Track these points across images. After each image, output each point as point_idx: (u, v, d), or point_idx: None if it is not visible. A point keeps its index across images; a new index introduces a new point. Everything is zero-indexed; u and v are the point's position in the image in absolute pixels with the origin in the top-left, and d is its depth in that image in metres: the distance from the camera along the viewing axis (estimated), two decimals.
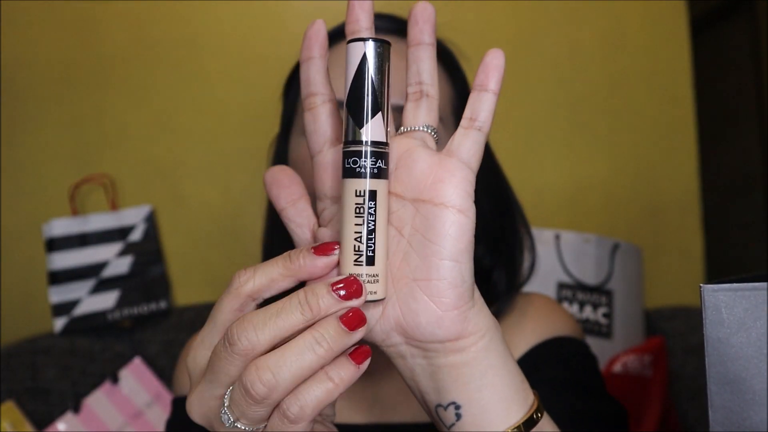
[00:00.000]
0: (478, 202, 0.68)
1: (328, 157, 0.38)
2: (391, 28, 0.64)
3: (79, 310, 1.15)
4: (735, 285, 0.33)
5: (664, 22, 1.35)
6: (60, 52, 1.23)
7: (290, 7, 1.29)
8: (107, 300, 1.17)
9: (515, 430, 0.34)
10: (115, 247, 1.19)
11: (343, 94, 0.59)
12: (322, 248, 0.34)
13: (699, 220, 1.37)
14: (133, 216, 1.21)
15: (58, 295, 1.15)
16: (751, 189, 1.75)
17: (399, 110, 0.59)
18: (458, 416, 0.34)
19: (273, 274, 0.34)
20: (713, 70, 1.83)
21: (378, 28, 0.62)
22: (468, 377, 0.34)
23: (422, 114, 0.39)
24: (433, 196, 0.34)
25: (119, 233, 1.19)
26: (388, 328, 0.35)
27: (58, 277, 1.15)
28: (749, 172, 1.77)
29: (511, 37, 1.33)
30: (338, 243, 0.34)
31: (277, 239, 0.68)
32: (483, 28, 1.32)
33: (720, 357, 0.33)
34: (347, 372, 0.32)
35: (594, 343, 1.16)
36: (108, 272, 1.18)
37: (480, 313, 0.35)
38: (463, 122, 0.37)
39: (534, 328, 0.62)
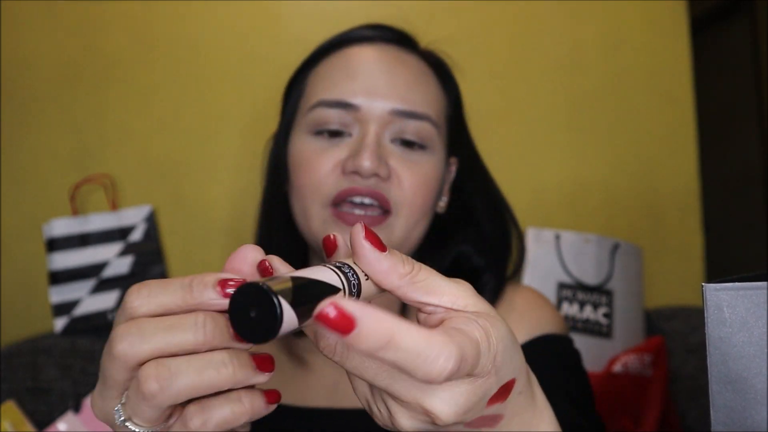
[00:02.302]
0: (471, 205, 0.70)
1: None
2: (390, 37, 0.66)
3: (80, 310, 1.15)
4: (737, 284, 0.33)
5: (664, 22, 1.36)
6: (60, 53, 1.23)
7: (290, 7, 1.29)
8: (108, 300, 1.17)
9: None
10: (116, 247, 1.19)
11: (337, 93, 0.61)
12: (228, 283, 0.31)
13: (699, 219, 1.37)
14: (134, 216, 1.21)
15: (59, 295, 1.15)
16: (751, 188, 1.76)
17: (397, 114, 0.60)
18: None
19: (168, 304, 0.31)
20: (713, 70, 1.83)
21: (377, 38, 0.65)
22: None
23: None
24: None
25: (120, 233, 1.19)
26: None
27: (59, 277, 1.15)
28: (749, 171, 1.77)
29: (511, 37, 1.33)
30: (244, 279, 0.31)
31: (274, 225, 0.69)
32: (483, 29, 1.32)
33: (722, 356, 0.33)
34: (258, 405, 0.31)
35: (594, 343, 1.16)
36: (108, 272, 1.18)
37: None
38: None
39: (522, 324, 0.63)
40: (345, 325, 0.24)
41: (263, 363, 0.31)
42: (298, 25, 1.29)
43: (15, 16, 1.22)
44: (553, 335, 0.63)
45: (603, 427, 0.58)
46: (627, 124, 1.35)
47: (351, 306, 0.25)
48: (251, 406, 0.31)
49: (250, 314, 0.27)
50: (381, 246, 0.30)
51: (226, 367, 0.30)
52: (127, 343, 0.29)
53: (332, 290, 0.29)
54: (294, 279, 0.28)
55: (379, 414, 0.32)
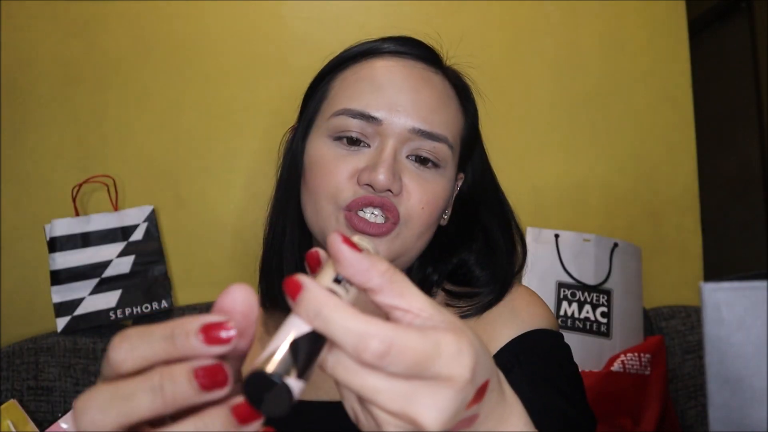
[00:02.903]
0: (477, 217, 0.71)
1: None
2: (418, 54, 0.67)
3: (81, 310, 1.16)
4: (735, 284, 0.33)
5: (663, 23, 1.36)
6: (62, 54, 1.23)
7: (291, 7, 1.29)
8: (109, 299, 1.17)
9: None
10: (117, 247, 1.19)
11: (361, 105, 0.62)
12: (212, 329, 0.29)
13: (697, 219, 1.37)
14: (135, 216, 1.21)
15: (61, 294, 1.15)
16: (750, 189, 1.76)
17: (417, 133, 0.62)
18: None
19: (151, 357, 0.29)
20: (712, 71, 1.84)
21: (405, 54, 0.66)
22: None
23: None
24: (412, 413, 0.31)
25: (121, 233, 1.19)
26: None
27: (61, 277, 1.16)
28: (747, 171, 1.77)
29: (511, 38, 1.33)
30: (228, 322, 0.29)
31: (277, 243, 0.71)
32: (483, 29, 1.32)
33: (720, 355, 0.34)
34: (220, 425, 0.29)
35: (593, 342, 1.17)
36: (110, 272, 1.18)
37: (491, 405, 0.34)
38: None
39: (515, 319, 0.66)
40: (293, 288, 0.29)
41: (243, 412, 0.29)
42: (300, 25, 1.29)
43: (15, 17, 1.22)
44: (543, 330, 0.65)
45: (593, 416, 0.61)
46: (626, 125, 1.36)
47: (301, 276, 0.29)
48: (214, 426, 0.28)
49: (263, 395, 0.28)
50: (358, 250, 0.31)
51: (155, 392, 0.28)
52: (89, 418, 0.28)
53: (322, 341, 0.30)
54: (292, 348, 0.29)
55: (367, 424, 0.32)
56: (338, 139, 0.64)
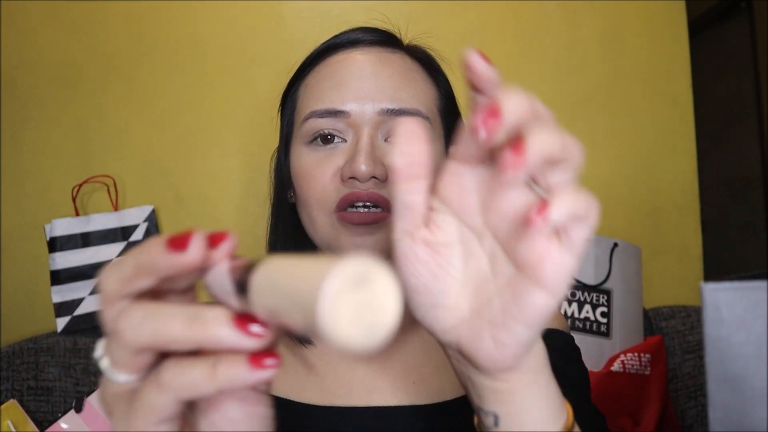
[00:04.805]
0: None
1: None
2: (373, 39, 0.67)
3: (81, 310, 1.16)
4: (735, 284, 0.33)
5: (663, 23, 1.36)
6: (62, 53, 1.23)
7: (291, 7, 1.29)
8: None
9: None
10: (117, 247, 1.19)
11: (326, 103, 0.62)
12: (176, 241, 0.27)
13: (697, 219, 1.37)
14: (135, 216, 1.21)
15: (61, 294, 1.15)
16: (750, 188, 1.76)
17: (387, 113, 0.61)
18: (497, 424, 0.35)
19: (124, 273, 0.28)
20: (712, 70, 1.84)
21: (360, 42, 0.65)
22: (510, 401, 0.34)
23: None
24: (535, 273, 0.30)
25: (121, 233, 1.20)
26: (450, 337, 0.34)
27: (61, 277, 1.16)
28: (747, 171, 1.77)
29: (511, 37, 1.33)
30: (194, 232, 0.27)
31: (281, 234, 0.70)
32: (483, 28, 1.32)
33: (720, 355, 0.34)
34: (236, 372, 0.26)
35: (593, 342, 1.17)
36: None
37: (534, 353, 0.34)
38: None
39: None
40: None
41: (244, 321, 0.27)
42: (299, 25, 1.29)
43: (15, 17, 1.22)
44: (555, 329, 0.65)
45: (601, 414, 0.60)
46: (626, 124, 1.36)
47: None
48: (226, 371, 0.26)
49: None
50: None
51: (192, 321, 0.26)
52: (128, 325, 0.28)
53: None
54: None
55: None
56: (312, 141, 0.63)
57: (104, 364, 0.29)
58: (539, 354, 0.35)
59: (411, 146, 0.31)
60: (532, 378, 0.35)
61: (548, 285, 0.30)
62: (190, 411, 0.31)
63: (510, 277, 0.32)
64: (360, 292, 0.24)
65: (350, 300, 0.24)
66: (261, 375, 0.26)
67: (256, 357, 0.27)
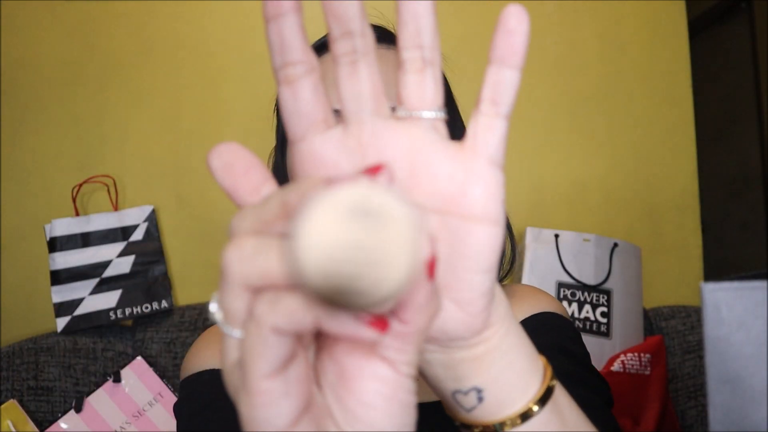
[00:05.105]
0: None
1: (315, 145, 0.30)
2: (375, 36, 0.66)
3: (81, 310, 1.16)
4: (735, 283, 0.33)
5: (663, 23, 1.36)
6: (62, 54, 1.23)
7: None
8: (109, 299, 1.17)
9: (538, 402, 0.34)
10: (117, 247, 1.19)
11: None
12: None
13: (697, 219, 1.37)
14: (135, 216, 1.21)
15: (61, 294, 1.15)
16: (749, 188, 1.76)
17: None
18: (480, 399, 0.33)
19: (267, 215, 0.25)
20: (712, 71, 1.84)
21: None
22: (490, 363, 0.33)
23: (429, 91, 0.31)
24: (462, 208, 0.29)
25: (121, 233, 1.20)
26: None
27: (61, 277, 1.16)
28: (747, 171, 1.77)
29: None
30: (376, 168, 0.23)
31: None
32: (484, 29, 1.32)
33: (720, 355, 0.34)
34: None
35: (593, 342, 1.17)
36: (110, 272, 1.18)
37: (499, 302, 0.33)
38: (484, 107, 0.31)
39: (522, 305, 0.65)
40: None
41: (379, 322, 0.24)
42: None
43: (15, 17, 1.22)
44: (552, 312, 0.64)
45: (607, 383, 0.60)
46: (626, 125, 1.36)
47: None
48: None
49: None
50: None
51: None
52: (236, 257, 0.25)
53: None
54: None
55: None
56: None
57: (218, 317, 0.26)
58: (502, 300, 0.33)
59: None
60: (507, 327, 0.33)
61: (481, 211, 0.29)
62: (321, 395, 0.28)
63: (438, 229, 0.30)
64: (355, 226, 0.19)
65: (336, 229, 0.19)
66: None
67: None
